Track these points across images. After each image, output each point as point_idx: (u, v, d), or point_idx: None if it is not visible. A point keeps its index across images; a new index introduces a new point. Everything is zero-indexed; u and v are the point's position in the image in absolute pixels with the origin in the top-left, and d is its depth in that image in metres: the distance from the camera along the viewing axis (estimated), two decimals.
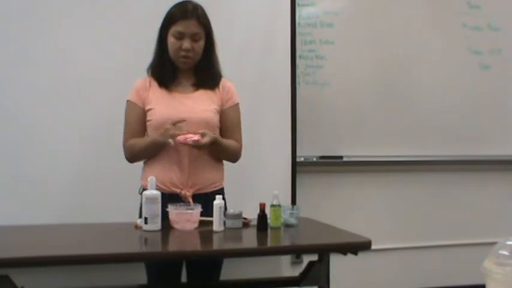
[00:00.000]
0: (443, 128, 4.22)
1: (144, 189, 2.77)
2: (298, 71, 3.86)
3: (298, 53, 3.84)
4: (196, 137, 2.65)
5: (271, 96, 3.70)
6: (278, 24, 3.74)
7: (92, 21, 3.39)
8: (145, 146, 2.81)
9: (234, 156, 2.92)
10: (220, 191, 2.86)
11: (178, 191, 2.73)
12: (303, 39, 3.92)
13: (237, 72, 3.57)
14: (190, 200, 2.73)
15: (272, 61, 3.71)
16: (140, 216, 2.79)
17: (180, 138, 2.64)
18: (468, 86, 4.28)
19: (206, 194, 2.78)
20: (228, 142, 2.87)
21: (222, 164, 2.92)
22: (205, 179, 2.81)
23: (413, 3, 4.16)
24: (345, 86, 4.01)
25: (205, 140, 2.67)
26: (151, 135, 2.82)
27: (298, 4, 3.86)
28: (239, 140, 2.92)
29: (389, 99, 4.12)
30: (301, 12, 3.91)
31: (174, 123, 2.69)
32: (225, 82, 2.94)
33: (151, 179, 2.61)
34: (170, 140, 2.66)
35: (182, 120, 2.70)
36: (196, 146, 2.66)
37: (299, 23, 3.88)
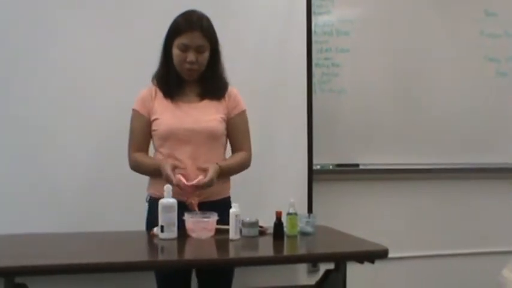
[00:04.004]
0: (460, 135, 4.20)
1: (151, 197, 2.82)
2: (314, 79, 3.85)
3: (314, 61, 3.84)
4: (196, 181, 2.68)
5: (288, 104, 3.70)
6: (294, 32, 3.74)
7: (102, 24, 3.40)
8: (149, 171, 2.84)
9: (244, 169, 2.94)
10: (227, 200, 2.88)
11: (185, 199, 2.72)
12: (319, 48, 3.92)
13: (253, 80, 3.59)
14: (196, 209, 2.73)
15: (288, 69, 3.71)
16: (147, 225, 2.84)
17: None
18: (485, 94, 4.26)
19: (212, 202, 2.79)
20: (235, 161, 2.89)
21: None
22: (212, 188, 2.78)
23: (429, 10, 4.15)
24: (361, 93, 4.01)
25: (207, 179, 2.69)
26: (157, 144, 2.85)
27: (314, 12, 3.86)
28: (247, 148, 2.94)
29: (405, 107, 4.11)
30: (317, 21, 3.91)
31: (174, 168, 2.71)
32: (231, 90, 2.94)
33: (168, 187, 2.61)
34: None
35: (183, 167, 2.73)
36: (202, 186, 2.69)
37: (315, 31, 3.88)
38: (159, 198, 2.73)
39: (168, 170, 2.67)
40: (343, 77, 3.98)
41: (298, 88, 3.73)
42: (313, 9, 3.83)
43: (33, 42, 3.33)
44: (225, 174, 2.81)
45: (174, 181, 2.65)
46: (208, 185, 2.69)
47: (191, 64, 2.79)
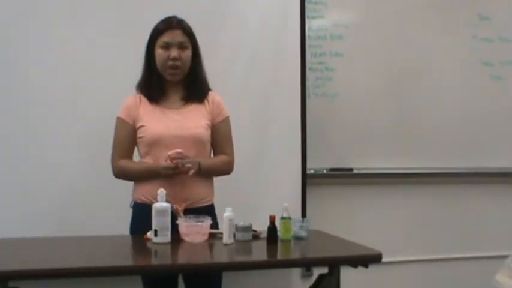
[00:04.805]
0: (455, 140, 4.21)
1: (136, 203, 2.83)
2: (308, 83, 3.85)
3: (307, 65, 3.83)
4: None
5: (281, 108, 3.70)
6: (288, 36, 3.74)
7: (101, 26, 3.40)
8: (138, 173, 2.84)
9: (225, 172, 2.95)
10: (211, 207, 2.89)
11: (170, 205, 2.71)
12: (313, 52, 3.92)
13: (247, 84, 3.60)
14: (182, 214, 2.73)
15: (282, 73, 3.71)
16: (131, 230, 2.84)
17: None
18: (480, 98, 4.27)
19: (197, 209, 2.79)
20: (217, 160, 2.91)
21: (212, 179, 2.94)
22: (197, 194, 2.82)
23: (423, 15, 4.16)
24: (354, 98, 4.01)
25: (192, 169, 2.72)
26: (143, 151, 2.84)
27: (308, 16, 3.86)
28: (230, 153, 2.95)
29: (399, 111, 4.11)
30: (310, 25, 3.91)
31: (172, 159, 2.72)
32: (214, 96, 2.96)
33: (162, 192, 2.62)
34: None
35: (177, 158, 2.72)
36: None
37: (309, 36, 3.88)
38: (144, 203, 2.78)
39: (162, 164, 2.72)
40: (336, 81, 3.97)
41: (291, 92, 3.73)
42: (306, 13, 3.83)
43: (32, 43, 3.31)
44: (205, 170, 2.81)
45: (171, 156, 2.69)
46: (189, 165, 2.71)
47: (174, 60, 2.81)
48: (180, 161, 2.69)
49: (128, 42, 3.30)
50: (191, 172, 2.70)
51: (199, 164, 2.76)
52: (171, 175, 2.72)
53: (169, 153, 2.71)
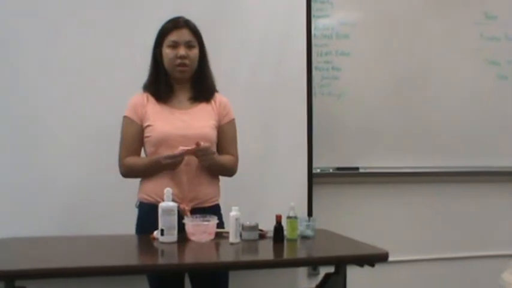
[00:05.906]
0: (461, 139, 4.20)
1: (142, 202, 2.83)
2: (314, 83, 3.85)
3: (314, 65, 3.84)
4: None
5: (288, 107, 3.70)
6: (294, 35, 3.74)
7: (102, 26, 3.40)
8: (145, 165, 2.83)
9: (230, 171, 2.95)
10: (217, 207, 2.89)
11: (177, 204, 2.71)
12: (319, 51, 3.92)
13: (253, 83, 3.60)
14: (189, 214, 2.73)
15: (288, 72, 3.71)
16: (137, 230, 2.84)
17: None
18: (486, 97, 4.26)
19: (203, 209, 2.79)
20: (223, 158, 2.91)
21: (218, 179, 2.94)
22: (204, 194, 2.82)
23: (430, 14, 4.15)
24: (360, 97, 4.00)
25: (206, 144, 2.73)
26: (150, 151, 2.84)
27: (314, 16, 3.87)
28: (235, 154, 2.95)
29: (405, 110, 4.11)
30: (316, 24, 3.92)
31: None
32: (221, 97, 2.97)
33: (168, 191, 2.61)
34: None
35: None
36: (201, 151, 2.71)
37: (315, 35, 3.88)
38: (149, 203, 2.78)
39: (166, 154, 2.72)
40: (343, 81, 3.97)
41: (298, 91, 3.73)
42: (312, 12, 3.84)
43: (33, 43, 3.32)
44: (213, 163, 2.81)
45: (177, 152, 2.69)
46: (206, 152, 2.72)
47: (182, 59, 2.82)
48: (185, 147, 2.70)
49: (132, 43, 3.33)
50: (202, 144, 2.70)
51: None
52: (173, 165, 2.73)
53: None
